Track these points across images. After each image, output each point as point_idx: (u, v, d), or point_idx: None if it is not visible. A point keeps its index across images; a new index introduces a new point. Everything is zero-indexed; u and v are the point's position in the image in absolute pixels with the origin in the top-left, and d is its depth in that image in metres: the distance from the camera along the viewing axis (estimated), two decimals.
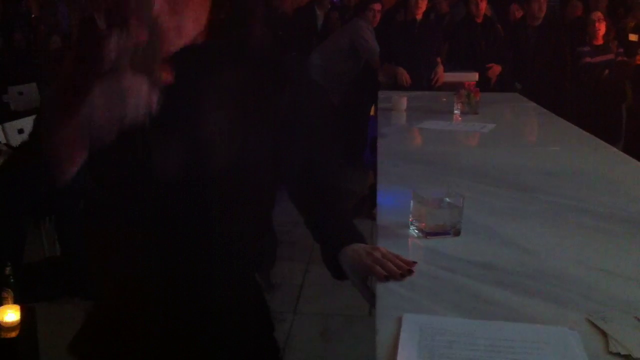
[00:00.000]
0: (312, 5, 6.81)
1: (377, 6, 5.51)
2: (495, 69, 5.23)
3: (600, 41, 5.35)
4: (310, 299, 3.41)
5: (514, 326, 1.09)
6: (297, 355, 2.94)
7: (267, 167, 1.23)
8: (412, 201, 1.51)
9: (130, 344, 1.25)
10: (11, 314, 2.54)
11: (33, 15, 9.75)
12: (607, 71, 5.27)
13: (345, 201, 1.45)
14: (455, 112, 3.31)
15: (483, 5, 5.29)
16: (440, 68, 5.15)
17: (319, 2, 6.75)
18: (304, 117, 1.32)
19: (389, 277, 1.25)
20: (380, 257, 1.27)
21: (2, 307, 2.55)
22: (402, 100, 3.49)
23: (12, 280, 2.62)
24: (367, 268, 1.27)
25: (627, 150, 3.13)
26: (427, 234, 1.48)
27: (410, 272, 1.26)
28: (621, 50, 5.46)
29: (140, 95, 0.89)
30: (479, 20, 5.32)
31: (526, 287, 1.24)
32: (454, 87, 3.77)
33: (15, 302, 2.59)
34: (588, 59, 5.31)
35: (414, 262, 1.29)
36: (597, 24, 5.27)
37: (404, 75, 5.05)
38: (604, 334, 1.06)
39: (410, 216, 1.52)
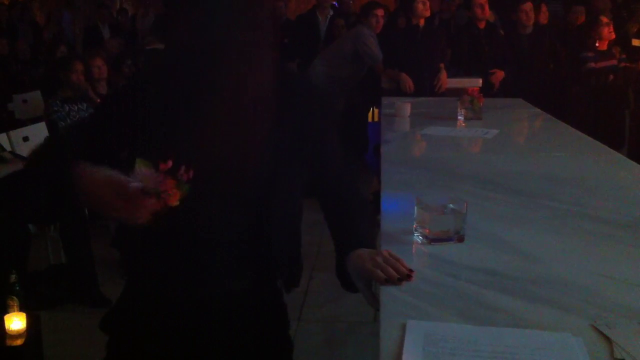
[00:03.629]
0: (314, 12, 6.83)
1: (380, 12, 5.52)
2: (499, 75, 5.23)
3: (604, 46, 5.35)
4: (314, 306, 3.40)
5: (518, 332, 1.09)
6: None
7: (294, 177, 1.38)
8: (415, 207, 1.51)
9: (151, 329, 1.38)
10: (17, 322, 2.54)
11: (38, 23, 9.80)
12: (611, 77, 5.27)
13: (361, 208, 1.49)
14: (459, 118, 3.31)
15: (486, 10, 5.30)
16: (443, 74, 5.16)
17: (321, 8, 6.78)
18: (330, 132, 1.45)
19: (388, 281, 1.26)
20: (382, 262, 1.29)
21: (8, 315, 2.56)
22: (406, 107, 3.49)
23: (17, 288, 2.62)
24: (368, 272, 1.29)
25: (631, 155, 3.13)
26: (430, 240, 1.48)
27: (409, 277, 1.27)
28: (624, 55, 5.46)
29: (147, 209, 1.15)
30: (482, 26, 5.33)
31: (530, 293, 1.24)
32: (458, 93, 3.77)
33: (20, 309, 2.59)
34: (592, 65, 5.31)
35: (413, 271, 1.30)
36: (606, 28, 5.27)
37: (407, 82, 5.06)
38: (608, 340, 1.06)
39: (414, 222, 1.52)
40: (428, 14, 5.18)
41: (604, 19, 5.39)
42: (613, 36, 5.45)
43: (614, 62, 5.34)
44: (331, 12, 6.89)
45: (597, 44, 5.36)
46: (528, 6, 5.31)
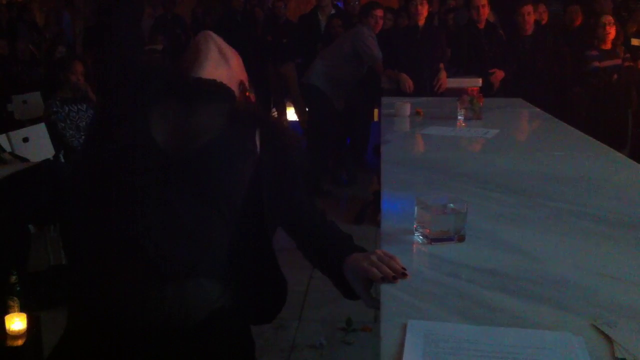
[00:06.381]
0: (316, 12, 6.84)
1: (379, 12, 5.51)
2: (498, 74, 5.23)
3: (608, 45, 5.34)
4: (314, 306, 3.40)
5: (518, 332, 1.09)
6: None
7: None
8: (416, 207, 1.51)
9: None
10: (17, 322, 2.55)
11: (38, 24, 9.80)
12: (615, 76, 5.26)
13: (339, 231, 1.52)
14: (459, 117, 3.30)
15: (485, 11, 5.30)
16: (443, 74, 5.15)
17: (321, 8, 6.79)
18: (292, 167, 1.46)
19: (384, 279, 1.27)
20: (377, 260, 1.30)
21: (9, 315, 2.56)
22: (406, 107, 3.49)
23: (17, 288, 2.62)
24: (365, 270, 1.30)
25: (633, 155, 3.12)
26: (431, 240, 1.48)
27: (404, 275, 1.27)
28: (628, 55, 5.45)
29: None
30: (482, 26, 5.33)
31: (531, 292, 1.24)
32: (457, 93, 3.76)
33: (21, 310, 2.59)
34: (596, 63, 5.30)
35: (405, 269, 1.30)
36: (607, 28, 5.26)
37: (407, 82, 5.06)
38: (609, 339, 1.06)
39: (415, 222, 1.52)
40: (423, 16, 5.14)
41: (609, 18, 5.38)
42: (616, 35, 5.44)
43: (619, 61, 5.32)
44: (333, 11, 6.90)
45: (602, 43, 5.36)
46: (526, 10, 5.33)
